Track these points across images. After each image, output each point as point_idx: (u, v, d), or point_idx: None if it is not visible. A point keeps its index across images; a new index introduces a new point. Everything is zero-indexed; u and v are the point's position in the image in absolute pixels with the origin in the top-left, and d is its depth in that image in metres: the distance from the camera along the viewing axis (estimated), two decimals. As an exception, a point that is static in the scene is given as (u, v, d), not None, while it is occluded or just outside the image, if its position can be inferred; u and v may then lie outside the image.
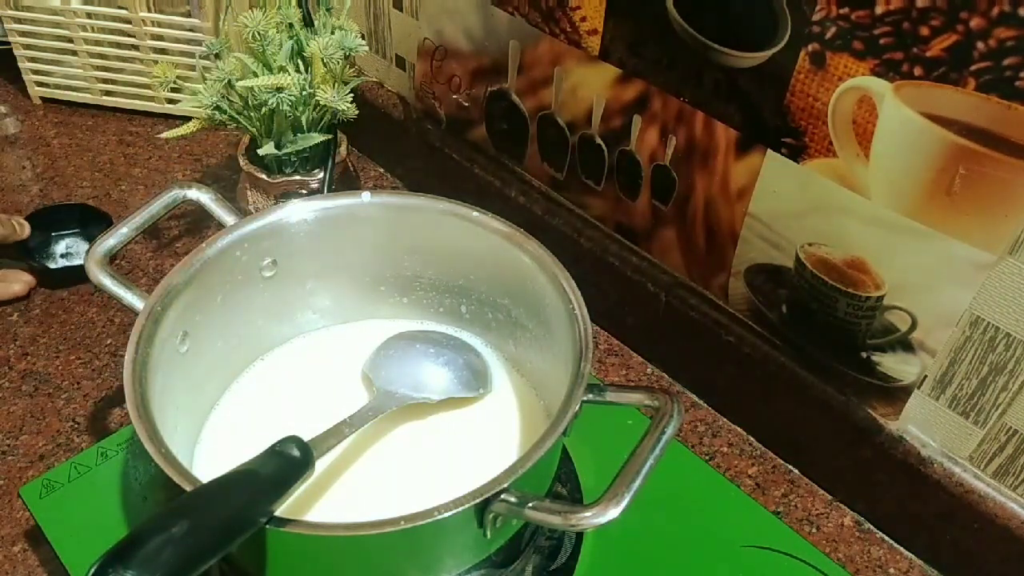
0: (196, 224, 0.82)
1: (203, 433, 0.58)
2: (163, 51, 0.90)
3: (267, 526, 0.41)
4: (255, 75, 0.69)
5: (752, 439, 0.67)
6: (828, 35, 0.49)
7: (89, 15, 0.91)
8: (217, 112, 0.71)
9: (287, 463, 0.44)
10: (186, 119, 0.74)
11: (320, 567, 0.48)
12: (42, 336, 0.72)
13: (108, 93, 0.96)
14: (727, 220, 0.61)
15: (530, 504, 0.44)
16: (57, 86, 0.97)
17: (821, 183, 0.54)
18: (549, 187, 0.76)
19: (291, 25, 0.70)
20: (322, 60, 0.68)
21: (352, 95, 0.70)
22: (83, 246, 0.77)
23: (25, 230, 0.75)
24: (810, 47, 0.50)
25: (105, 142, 0.94)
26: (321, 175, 0.75)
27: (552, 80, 0.69)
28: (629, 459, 0.45)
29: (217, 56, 0.71)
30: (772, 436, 0.66)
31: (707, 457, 0.65)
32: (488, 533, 0.46)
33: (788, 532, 0.59)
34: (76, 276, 0.76)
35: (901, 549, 0.60)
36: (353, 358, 0.64)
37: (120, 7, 0.89)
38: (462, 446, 0.58)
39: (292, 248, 0.60)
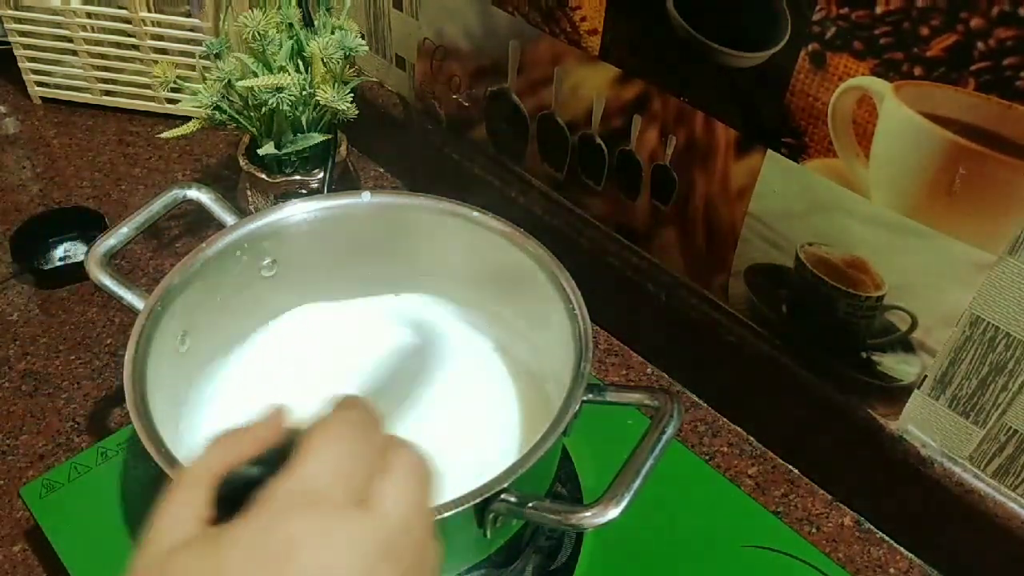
0: (196, 224, 0.82)
1: (203, 432, 0.58)
2: (163, 51, 0.90)
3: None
4: (255, 75, 0.69)
5: (752, 439, 0.67)
6: (828, 35, 0.49)
7: (89, 15, 0.91)
8: (217, 112, 0.71)
9: None
10: (186, 119, 0.74)
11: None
12: (42, 336, 0.72)
13: (108, 93, 0.96)
14: (727, 220, 0.61)
15: (530, 504, 0.44)
16: (57, 86, 0.97)
17: (821, 183, 0.54)
18: (549, 187, 0.76)
19: (291, 25, 0.70)
20: (322, 60, 0.68)
21: (352, 95, 0.70)
22: (81, 248, 0.77)
23: None
24: (810, 47, 0.50)
25: (105, 142, 0.94)
26: (321, 175, 0.75)
27: (552, 80, 0.69)
28: (629, 459, 0.45)
29: (217, 56, 0.71)
30: (772, 436, 0.66)
31: (707, 457, 0.65)
32: (488, 533, 0.47)
33: (788, 532, 0.59)
34: (75, 275, 0.76)
35: (901, 549, 0.60)
36: (353, 356, 0.64)
37: (120, 7, 0.89)
38: (462, 445, 0.58)
39: (292, 248, 0.60)
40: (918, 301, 0.53)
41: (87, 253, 0.57)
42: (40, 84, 0.97)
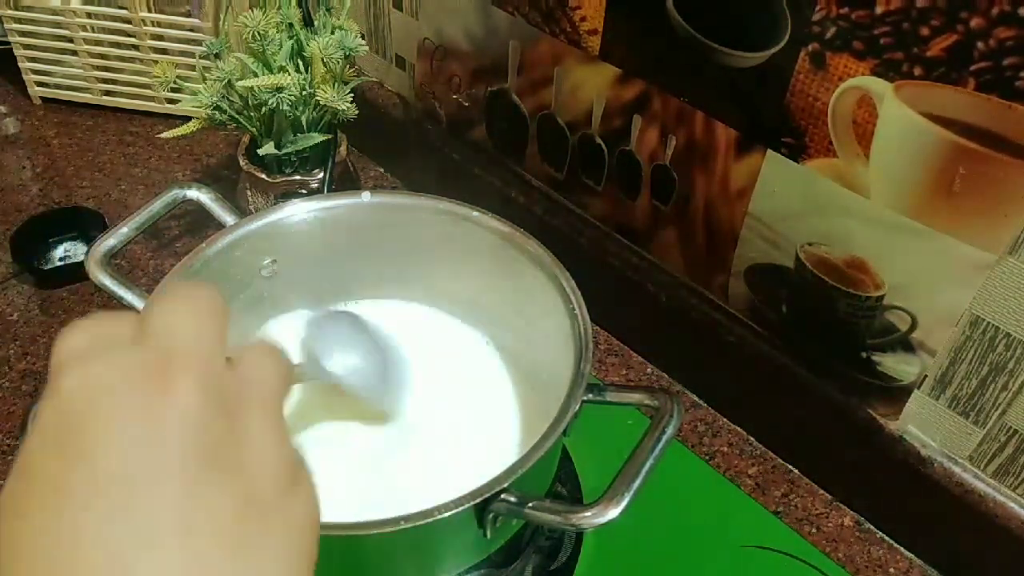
0: (196, 224, 0.82)
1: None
2: (163, 51, 0.90)
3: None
4: (255, 75, 0.69)
5: (752, 439, 0.67)
6: (828, 35, 0.49)
7: (89, 15, 0.90)
8: (217, 112, 0.71)
9: None
10: (186, 119, 0.74)
11: (319, 567, 0.48)
12: (42, 336, 0.72)
13: (108, 93, 0.96)
14: (727, 220, 0.61)
15: (530, 504, 0.44)
16: (57, 86, 0.97)
17: (821, 183, 0.54)
18: (549, 187, 0.76)
19: (291, 25, 0.70)
20: (322, 60, 0.68)
21: (352, 95, 0.70)
22: (81, 248, 0.77)
23: None
24: (810, 47, 0.50)
25: (105, 142, 0.94)
26: (321, 175, 0.75)
27: (552, 80, 0.69)
28: (629, 459, 0.45)
29: (217, 56, 0.71)
30: (772, 436, 0.66)
31: (707, 457, 0.65)
32: (488, 533, 0.46)
33: (788, 532, 0.59)
34: (75, 275, 0.76)
35: (901, 549, 0.60)
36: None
37: (120, 7, 0.89)
38: (462, 445, 0.58)
39: (292, 248, 0.60)
40: (918, 301, 0.53)
41: (87, 253, 0.56)
42: (40, 84, 0.97)
